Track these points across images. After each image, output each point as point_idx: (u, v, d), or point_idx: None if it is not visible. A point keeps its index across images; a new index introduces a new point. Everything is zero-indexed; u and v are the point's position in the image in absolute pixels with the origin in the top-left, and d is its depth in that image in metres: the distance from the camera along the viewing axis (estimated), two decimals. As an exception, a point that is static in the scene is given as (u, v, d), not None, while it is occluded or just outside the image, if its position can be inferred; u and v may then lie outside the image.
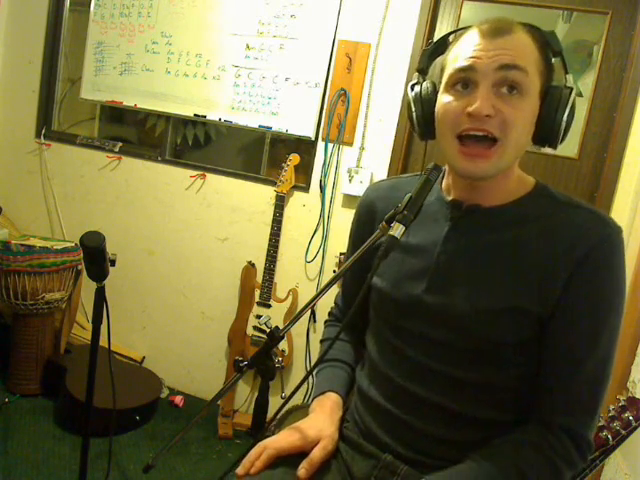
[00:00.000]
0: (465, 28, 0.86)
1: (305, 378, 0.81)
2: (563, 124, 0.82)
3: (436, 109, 0.86)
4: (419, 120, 0.89)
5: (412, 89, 0.90)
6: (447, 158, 0.85)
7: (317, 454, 0.88)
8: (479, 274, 0.85)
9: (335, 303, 1.18)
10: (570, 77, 0.84)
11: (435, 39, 0.94)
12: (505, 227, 0.86)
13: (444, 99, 0.83)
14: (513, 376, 0.85)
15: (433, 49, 0.92)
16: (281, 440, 0.89)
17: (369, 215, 1.01)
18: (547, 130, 0.83)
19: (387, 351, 0.95)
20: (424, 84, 0.89)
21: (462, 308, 0.85)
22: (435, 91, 0.88)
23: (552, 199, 0.87)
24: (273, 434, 0.94)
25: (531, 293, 0.82)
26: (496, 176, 0.85)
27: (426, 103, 0.88)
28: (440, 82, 0.87)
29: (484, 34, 0.80)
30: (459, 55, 0.82)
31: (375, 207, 1.00)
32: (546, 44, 0.83)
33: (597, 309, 0.81)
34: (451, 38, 0.90)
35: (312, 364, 2.38)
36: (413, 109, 0.89)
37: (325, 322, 1.19)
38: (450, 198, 0.91)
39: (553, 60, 0.85)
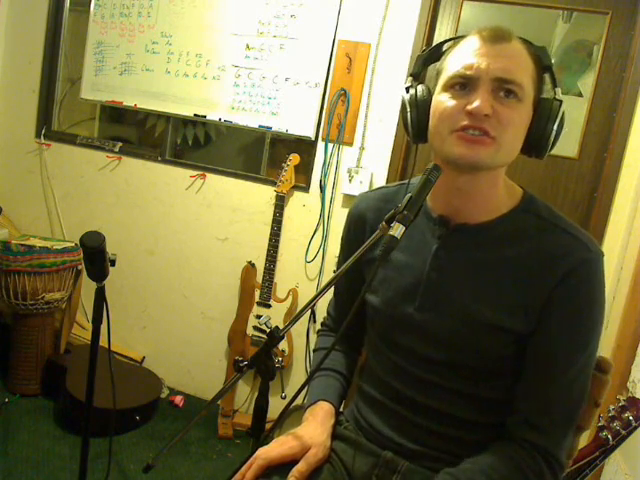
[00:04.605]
0: (461, 37, 0.87)
1: (305, 384, 0.81)
2: (553, 135, 0.84)
3: (432, 109, 0.86)
4: (413, 122, 0.89)
5: (407, 92, 0.91)
6: (441, 152, 0.85)
7: (308, 461, 0.88)
8: (467, 293, 0.87)
9: (327, 313, 1.18)
10: (559, 90, 0.86)
11: (435, 40, 0.94)
12: (492, 246, 0.87)
13: (442, 98, 0.84)
14: (502, 387, 0.88)
15: (427, 55, 0.93)
16: (272, 450, 0.89)
17: (360, 226, 1.02)
18: (537, 139, 0.85)
19: (383, 361, 0.97)
20: (419, 87, 0.90)
21: (451, 326, 0.87)
22: (430, 94, 0.88)
23: (538, 218, 0.87)
24: (273, 437, 0.94)
25: (516, 313, 0.84)
26: (486, 179, 0.85)
27: (421, 105, 0.88)
28: (435, 85, 0.87)
29: (485, 39, 0.81)
30: (459, 59, 0.82)
31: (365, 218, 1.01)
32: (537, 58, 0.85)
33: (573, 329, 0.83)
34: (446, 46, 0.91)
35: (311, 365, 2.38)
36: (408, 111, 0.90)
37: (318, 332, 1.20)
38: (437, 214, 0.91)
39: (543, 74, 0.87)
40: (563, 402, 0.83)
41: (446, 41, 0.92)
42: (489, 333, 0.84)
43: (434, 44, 0.94)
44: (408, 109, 0.90)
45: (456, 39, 0.88)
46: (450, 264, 0.89)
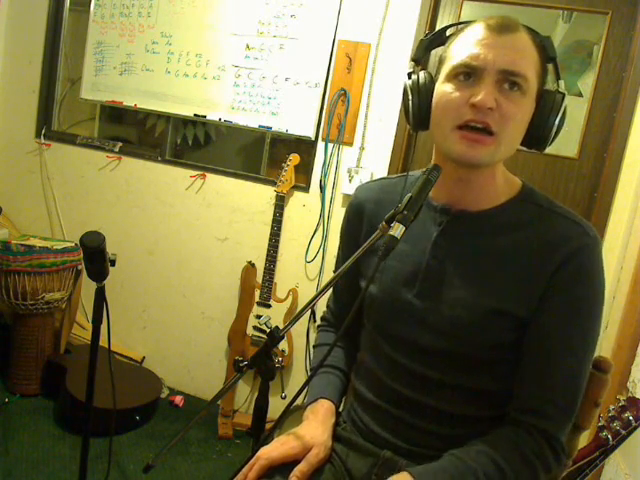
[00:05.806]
0: (466, 22, 0.86)
1: (306, 384, 0.81)
2: (555, 128, 0.84)
3: (434, 99, 0.86)
4: (415, 109, 0.88)
5: (409, 77, 0.90)
6: (442, 146, 0.85)
7: (310, 461, 0.88)
8: (467, 279, 0.86)
9: (327, 307, 1.18)
10: (562, 83, 0.86)
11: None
12: (492, 233, 0.87)
13: (445, 89, 0.83)
14: (501, 376, 0.87)
15: (430, 40, 0.92)
16: (274, 450, 0.89)
17: (358, 216, 1.02)
18: (539, 132, 0.85)
19: (379, 356, 0.96)
20: (421, 73, 0.89)
21: (451, 313, 0.86)
22: (432, 81, 0.88)
23: (537, 206, 0.88)
24: (273, 437, 0.94)
25: (517, 298, 0.84)
26: (485, 172, 0.86)
27: (423, 92, 0.87)
28: (438, 73, 0.87)
29: (491, 29, 0.80)
30: (464, 47, 0.82)
31: (364, 208, 1.01)
32: (542, 48, 0.84)
33: (573, 314, 0.83)
34: (449, 31, 0.91)
35: (311, 362, 2.38)
36: (410, 98, 0.89)
37: (318, 327, 1.19)
38: (438, 202, 0.91)
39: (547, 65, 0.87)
40: (566, 387, 0.83)
41: (449, 26, 0.91)
42: (489, 320, 0.84)
43: (437, 29, 0.93)
44: (410, 96, 0.89)
45: (460, 24, 0.87)
46: (450, 251, 0.89)
